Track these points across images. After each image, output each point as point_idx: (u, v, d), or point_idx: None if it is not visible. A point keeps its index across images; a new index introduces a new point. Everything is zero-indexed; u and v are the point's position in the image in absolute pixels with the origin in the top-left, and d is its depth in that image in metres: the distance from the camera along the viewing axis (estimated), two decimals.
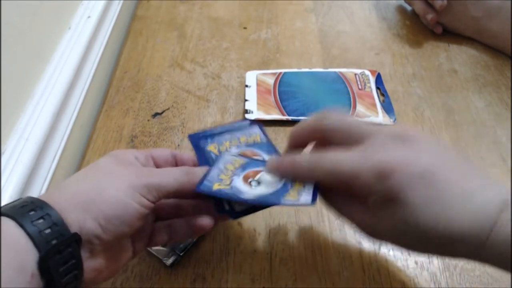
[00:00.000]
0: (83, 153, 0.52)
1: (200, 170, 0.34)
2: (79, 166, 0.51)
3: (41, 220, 0.26)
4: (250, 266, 0.41)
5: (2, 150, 0.42)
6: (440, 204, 0.27)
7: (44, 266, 0.25)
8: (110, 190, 0.29)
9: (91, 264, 0.29)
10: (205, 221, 0.35)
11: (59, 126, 0.50)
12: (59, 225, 0.27)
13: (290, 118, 0.53)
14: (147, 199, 0.31)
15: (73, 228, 0.27)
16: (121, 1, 0.71)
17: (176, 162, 0.37)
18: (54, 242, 0.26)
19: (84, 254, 0.28)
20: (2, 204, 0.29)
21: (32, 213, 0.27)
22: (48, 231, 0.26)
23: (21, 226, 0.26)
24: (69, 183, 0.31)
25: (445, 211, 0.27)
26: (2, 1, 0.42)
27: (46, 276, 0.26)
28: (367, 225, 0.32)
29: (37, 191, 0.44)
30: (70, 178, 0.32)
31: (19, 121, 0.45)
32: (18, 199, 0.29)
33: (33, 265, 0.25)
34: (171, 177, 0.32)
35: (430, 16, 0.64)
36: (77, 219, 0.28)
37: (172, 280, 0.40)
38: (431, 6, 0.64)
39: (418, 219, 0.28)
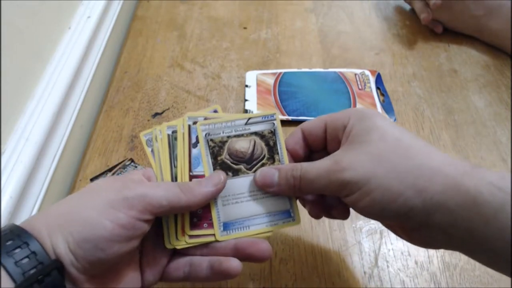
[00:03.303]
0: (83, 153, 0.52)
1: (197, 186, 0.31)
2: (79, 166, 0.51)
3: (18, 250, 0.25)
4: (250, 266, 0.41)
5: (2, 150, 0.42)
6: (406, 177, 0.27)
7: None
8: (82, 209, 0.27)
9: None
10: (233, 264, 0.30)
11: (59, 126, 0.50)
12: (38, 254, 0.25)
13: (290, 118, 0.53)
14: (128, 215, 0.27)
15: (52, 254, 0.26)
16: (121, 1, 0.71)
17: None
18: (33, 271, 0.25)
19: (66, 284, 0.26)
20: None
21: (9, 242, 0.25)
22: (25, 260, 0.25)
23: None
24: (53, 205, 0.28)
25: (416, 182, 0.27)
26: (2, 1, 0.42)
27: None
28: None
29: (37, 191, 0.44)
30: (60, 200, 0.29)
31: (19, 121, 0.45)
32: (3, 227, 0.28)
33: None
34: (161, 187, 0.29)
35: (423, 16, 0.64)
36: (51, 244, 0.26)
37: None
38: (428, 5, 0.64)
39: (388, 196, 0.27)
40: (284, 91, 0.57)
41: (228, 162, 0.34)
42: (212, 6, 0.74)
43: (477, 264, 0.40)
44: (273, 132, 0.35)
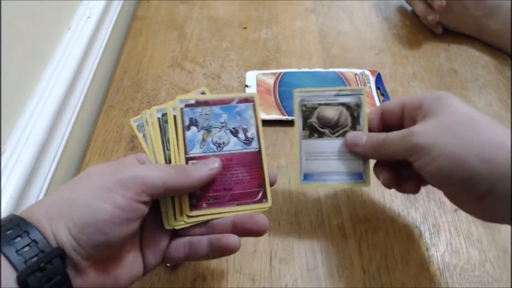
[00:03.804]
0: (83, 153, 0.52)
1: (193, 168, 0.32)
2: (79, 166, 0.51)
3: (18, 239, 0.25)
4: (250, 266, 0.41)
5: (2, 150, 0.42)
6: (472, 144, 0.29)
7: (24, 285, 0.25)
8: (80, 195, 0.27)
9: (80, 281, 0.27)
10: (232, 240, 0.31)
11: (59, 126, 0.50)
12: (39, 242, 0.26)
13: (290, 118, 0.53)
14: (126, 197, 0.27)
15: (53, 242, 0.26)
16: (121, 1, 0.71)
17: None
18: (34, 259, 0.25)
19: (69, 270, 0.26)
20: None
21: (9, 232, 0.26)
22: (26, 249, 0.25)
23: None
24: (50, 194, 0.29)
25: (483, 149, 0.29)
26: (2, 1, 0.42)
27: None
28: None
29: (37, 191, 0.44)
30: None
31: (19, 121, 0.45)
32: (3, 217, 0.28)
33: (14, 285, 0.24)
34: (155, 168, 0.29)
35: (430, 17, 0.64)
36: (52, 233, 0.26)
37: (172, 280, 0.40)
38: (431, 6, 0.64)
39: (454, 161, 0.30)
40: (284, 91, 0.57)
41: (316, 125, 0.40)
42: (212, 6, 0.74)
43: (477, 264, 0.40)
44: (359, 105, 0.39)
